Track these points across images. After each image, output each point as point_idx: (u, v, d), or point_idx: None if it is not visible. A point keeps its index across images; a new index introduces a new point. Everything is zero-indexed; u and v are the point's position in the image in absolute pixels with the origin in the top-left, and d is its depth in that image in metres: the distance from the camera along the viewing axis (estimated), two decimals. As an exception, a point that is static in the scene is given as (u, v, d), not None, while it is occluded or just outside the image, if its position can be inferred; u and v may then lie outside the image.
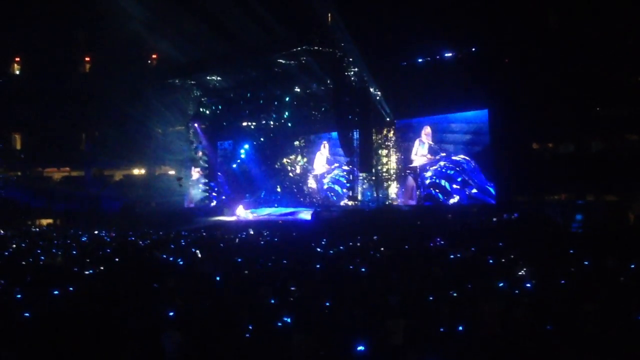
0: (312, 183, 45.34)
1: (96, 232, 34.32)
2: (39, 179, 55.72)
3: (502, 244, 20.75)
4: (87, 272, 16.17)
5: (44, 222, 46.91)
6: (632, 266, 14.92)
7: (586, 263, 15.76)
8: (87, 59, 54.98)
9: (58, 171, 57.61)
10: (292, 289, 13.05)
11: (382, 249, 21.08)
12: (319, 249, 21.79)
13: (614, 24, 30.05)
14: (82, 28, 49.15)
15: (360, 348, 9.08)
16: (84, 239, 29.95)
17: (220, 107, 46.06)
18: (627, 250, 17.25)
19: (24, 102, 49.68)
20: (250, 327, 10.29)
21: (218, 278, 15.00)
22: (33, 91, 49.78)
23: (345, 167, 39.42)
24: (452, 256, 17.94)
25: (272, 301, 11.97)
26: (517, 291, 12.12)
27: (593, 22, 30.69)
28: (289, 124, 44.27)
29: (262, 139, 47.34)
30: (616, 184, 29.43)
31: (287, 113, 43.22)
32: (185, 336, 9.50)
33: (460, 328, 10.24)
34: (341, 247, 21.99)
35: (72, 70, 54.13)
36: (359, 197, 38.25)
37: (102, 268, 17.10)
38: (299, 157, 45.82)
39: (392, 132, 38.89)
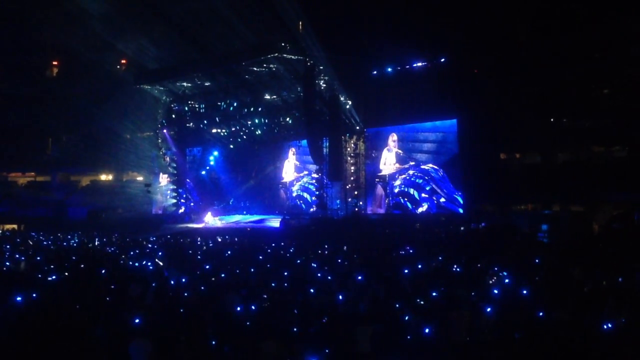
0: (281, 191, 45.39)
1: (61, 237, 33.86)
2: (3, 184, 54.89)
3: (469, 252, 20.87)
4: (50, 279, 15.90)
5: (8, 227, 46.18)
6: (597, 274, 15.10)
7: (551, 272, 15.92)
8: (55, 63, 54.41)
9: (23, 176, 56.85)
10: (261, 296, 13.00)
11: (350, 257, 21.10)
12: (287, 257, 21.75)
13: (581, 38, 30.52)
14: (50, 32, 48.53)
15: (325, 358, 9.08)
16: (48, 244, 29.55)
17: (189, 113, 45.80)
18: (591, 260, 17.49)
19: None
20: (218, 335, 10.21)
21: (184, 284, 14.88)
22: (-2, 94, 49.18)
23: (315, 175, 39.44)
24: (419, 264, 18.00)
25: (240, 308, 11.89)
26: (484, 299, 12.19)
27: (561, 35, 31.15)
28: (259, 132, 44.18)
29: (231, 146, 47.21)
30: (581, 194, 29.85)
31: (256, 120, 43.11)
32: (154, 345, 9.38)
33: (427, 336, 10.27)
34: (309, 255, 21.95)
35: (40, 74, 53.50)
36: (328, 205, 38.24)
37: (66, 274, 16.85)
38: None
39: (361, 140, 39.07)
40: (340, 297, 12.70)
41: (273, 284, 14.66)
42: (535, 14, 32.58)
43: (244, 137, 45.65)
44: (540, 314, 10.88)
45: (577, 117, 32.50)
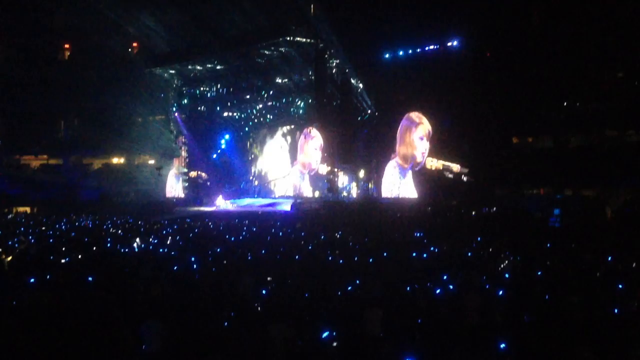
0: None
1: (74, 220, 34.07)
2: (16, 167, 55.15)
3: (480, 237, 20.83)
4: (63, 261, 15.99)
5: (21, 209, 46.46)
6: (609, 259, 15.05)
7: (563, 256, 15.86)
8: (67, 45, 54.50)
9: (36, 159, 57.10)
10: (271, 279, 13.02)
11: (360, 240, 21.10)
12: (298, 240, 21.77)
13: (594, 21, 30.26)
14: (61, 15, 48.58)
15: (336, 341, 9.08)
16: (62, 227, 29.71)
17: (201, 96, 45.87)
18: (603, 244, 17.42)
19: (1, 88, 49.12)
20: (229, 317, 10.24)
21: (196, 267, 14.94)
22: (10, 77, 49.25)
23: (326, 159, 39.44)
24: (431, 248, 17.99)
25: (251, 291, 11.92)
26: (495, 283, 12.16)
27: (574, 18, 30.89)
28: (271, 114, 44.21)
29: (243, 130, 47.28)
30: (594, 179, 29.72)
31: (268, 103, 43.14)
32: (165, 326, 9.42)
33: (439, 319, 10.26)
34: (321, 238, 21.98)
35: (51, 57, 53.61)
36: (339, 189, 38.22)
37: (79, 257, 16.94)
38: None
39: (373, 124, 38.90)
40: (351, 280, 12.71)
41: (284, 267, 14.69)
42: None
43: (256, 120, 45.68)
44: (552, 298, 10.85)
45: (591, 101, 32.31)
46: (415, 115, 36.25)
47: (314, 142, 43.20)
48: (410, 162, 36.51)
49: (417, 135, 36.13)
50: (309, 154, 43.95)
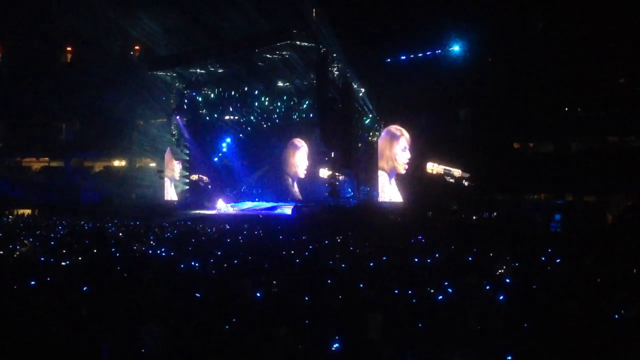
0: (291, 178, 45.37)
1: (75, 222, 34.06)
2: (17, 169, 55.17)
3: (481, 242, 20.83)
4: (63, 264, 16.01)
5: (22, 212, 46.46)
6: (609, 265, 15.05)
7: (564, 262, 15.88)
8: (69, 49, 54.57)
9: (37, 161, 57.12)
10: (273, 283, 13.03)
11: (361, 245, 21.10)
12: (299, 244, 21.78)
13: (596, 26, 30.26)
14: (64, 18, 48.64)
15: (336, 345, 9.09)
16: (62, 230, 29.73)
17: (202, 100, 45.88)
18: (604, 250, 17.42)
19: (3, 92, 49.21)
20: (231, 320, 10.25)
21: (197, 270, 14.97)
22: (13, 81, 49.36)
23: (327, 163, 39.36)
24: (431, 253, 17.98)
25: (252, 295, 11.93)
26: (495, 288, 12.17)
27: (576, 24, 30.90)
28: (272, 118, 44.22)
29: (244, 133, 47.22)
30: (595, 184, 29.65)
31: (269, 107, 43.14)
32: (166, 329, 9.42)
33: (439, 323, 10.28)
34: (322, 242, 21.98)
35: (53, 60, 53.68)
36: (340, 193, 38.10)
37: (80, 259, 16.96)
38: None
39: (374, 128, 38.81)
40: (352, 284, 12.72)
41: (285, 271, 14.69)
42: (550, 3, 32.35)
43: (257, 124, 45.67)
44: (552, 303, 10.86)
45: (592, 107, 32.26)
46: (395, 129, 36.19)
47: (301, 152, 43.60)
48: (393, 174, 36.50)
49: (399, 148, 36.05)
50: (296, 163, 44.15)
